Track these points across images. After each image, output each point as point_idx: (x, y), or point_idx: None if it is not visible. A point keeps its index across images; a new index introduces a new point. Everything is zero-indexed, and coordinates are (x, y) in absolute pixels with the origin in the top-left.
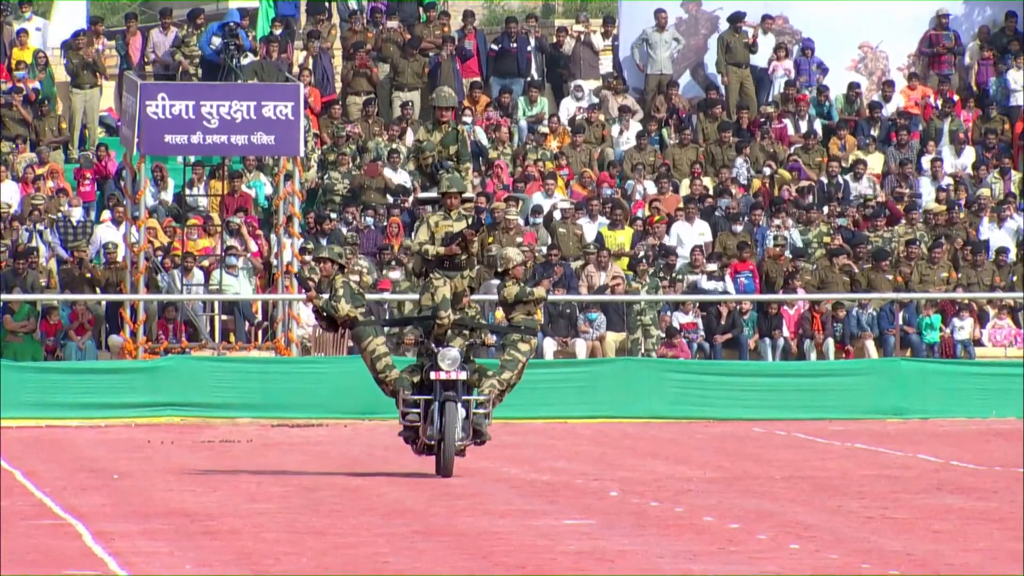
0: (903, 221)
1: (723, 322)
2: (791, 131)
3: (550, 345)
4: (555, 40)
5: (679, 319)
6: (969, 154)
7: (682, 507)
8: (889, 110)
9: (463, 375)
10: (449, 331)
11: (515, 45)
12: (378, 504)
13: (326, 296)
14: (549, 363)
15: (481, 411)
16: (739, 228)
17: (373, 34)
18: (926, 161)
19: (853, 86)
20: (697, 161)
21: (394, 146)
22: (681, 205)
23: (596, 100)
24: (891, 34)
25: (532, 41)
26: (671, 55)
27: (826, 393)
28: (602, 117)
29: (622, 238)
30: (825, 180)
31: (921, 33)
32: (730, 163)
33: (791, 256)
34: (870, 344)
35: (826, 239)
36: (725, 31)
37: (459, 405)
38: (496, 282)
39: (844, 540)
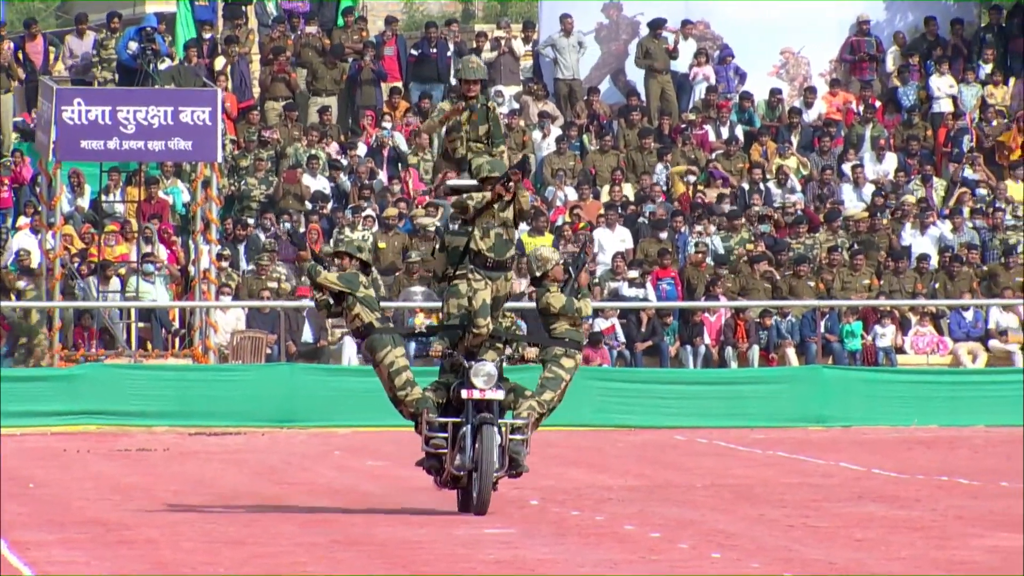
0: (825, 228)
1: (644, 329)
2: (712, 137)
3: None
4: (475, 45)
5: (600, 325)
6: (891, 161)
7: (603, 516)
8: (811, 116)
9: (499, 394)
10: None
11: (435, 50)
12: (296, 513)
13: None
14: None
15: (518, 437)
16: (663, 235)
17: (292, 39)
18: (848, 167)
19: (775, 92)
20: (618, 167)
21: (313, 152)
22: (602, 211)
23: (516, 106)
24: (812, 40)
25: (452, 46)
26: (578, 60)
27: (748, 401)
28: (522, 123)
29: (543, 243)
30: (747, 186)
31: (843, 39)
32: (651, 169)
33: (713, 263)
34: (791, 352)
35: (749, 246)
36: (645, 36)
37: (496, 429)
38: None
39: (766, 548)
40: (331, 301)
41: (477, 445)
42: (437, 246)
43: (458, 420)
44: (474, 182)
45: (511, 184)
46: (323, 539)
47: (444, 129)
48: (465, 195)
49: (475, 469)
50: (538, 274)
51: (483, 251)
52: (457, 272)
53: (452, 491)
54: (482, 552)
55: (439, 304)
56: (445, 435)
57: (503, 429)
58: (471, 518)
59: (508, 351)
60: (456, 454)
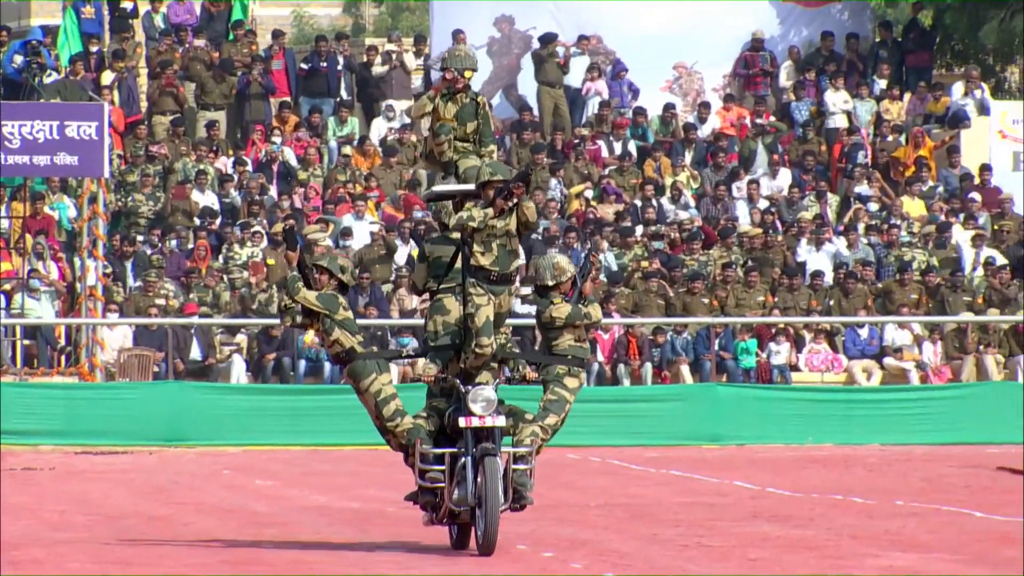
0: (719, 244)
1: (537, 347)
2: (605, 153)
3: None
4: (366, 59)
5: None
6: (786, 176)
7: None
8: (704, 131)
9: (501, 421)
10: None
11: (325, 64)
12: (184, 533)
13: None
14: None
15: (522, 467)
16: (554, 251)
17: (180, 53)
18: (742, 183)
19: (668, 107)
20: None
21: (201, 167)
22: None
23: (408, 120)
24: (706, 55)
25: (342, 60)
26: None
27: (641, 419)
28: (414, 138)
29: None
30: (639, 202)
31: (736, 54)
32: (544, 185)
33: (606, 280)
34: (685, 369)
35: (644, 263)
36: (538, 51)
37: (499, 460)
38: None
39: (659, 568)
40: (298, 312)
41: (479, 478)
42: (416, 255)
43: (456, 451)
44: (462, 187)
45: (514, 197)
46: (211, 560)
47: (430, 130)
48: (467, 217)
49: (478, 505)
50: (551, 283)
51: (485, 266)
52: (442, 286)
53: (444, 527)
54: (373, 571)
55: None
56: (442, 468)
57: (507, 459)
58: (360, 537)
59: (506, 372)
60: (455, 488)
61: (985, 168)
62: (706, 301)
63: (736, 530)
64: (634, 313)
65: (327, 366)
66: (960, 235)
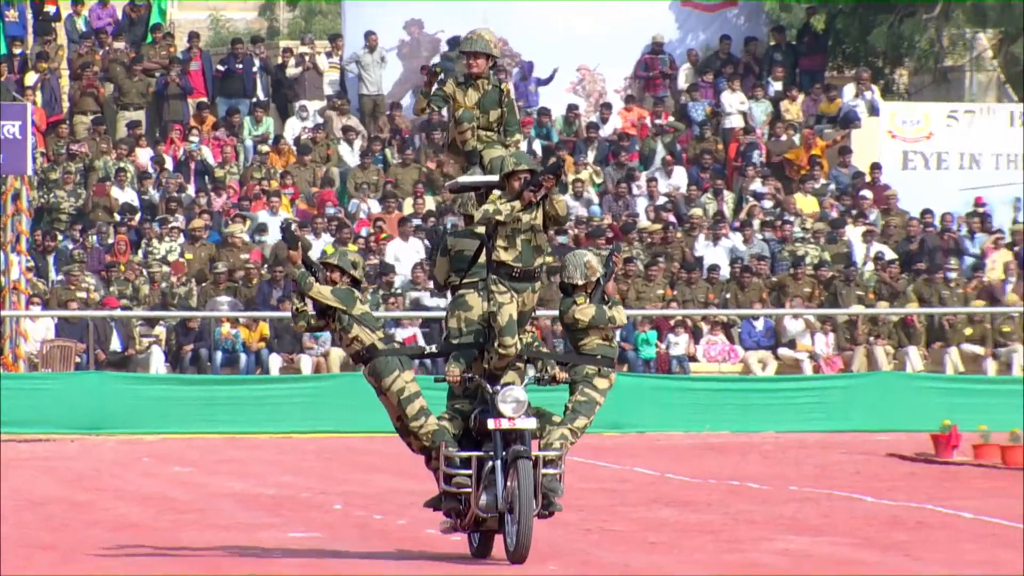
0: (622, 239)
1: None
2: None
3: (276, 361)
4: (280, 61)
5: (401, 335)
6: (683, 174)
7: (404, 519)
8: (607, 131)
9: (531, 423)
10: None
11: (241, 66)
12: (105, 518)
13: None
14: (274, 379)
15: (552, 471)
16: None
17: (100, 55)
18: (642, 181)
19: (572, 107)
20: (419, 181)
21: (121, 165)
22: (401, 224)
23: (321, 120)
24: (608, 57)
25: (257, 62)
26: (382, 75)
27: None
28: (327, 137)
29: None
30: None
31: (637, 57)
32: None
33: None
34: None
35: (548, 259)
36: (446, 53)
37: (531, 464)
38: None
39: (563, 553)
40: (312, 314)
41: (510, 483)
42: (439, 250)
43: (484, 454)
44: (487, 178)
45: (544, 188)
46: (130, 541)
47: (451, 118)
48: (492, 210)
49: (509, 511)
50: (581, 282)
51: (508, 262)
52: (464, 281)
53: (465, 534)
54: (288, 555)
55: (247, 314)
56: (469, 472)
57: (537, 463)
58: (274, 522)
59: (533, 372)
60: (482, 494)
61: (875, 167)
62: None
63: (637, 515)
64: (538, 306)
65: (243, 357)
66: (852, 231)
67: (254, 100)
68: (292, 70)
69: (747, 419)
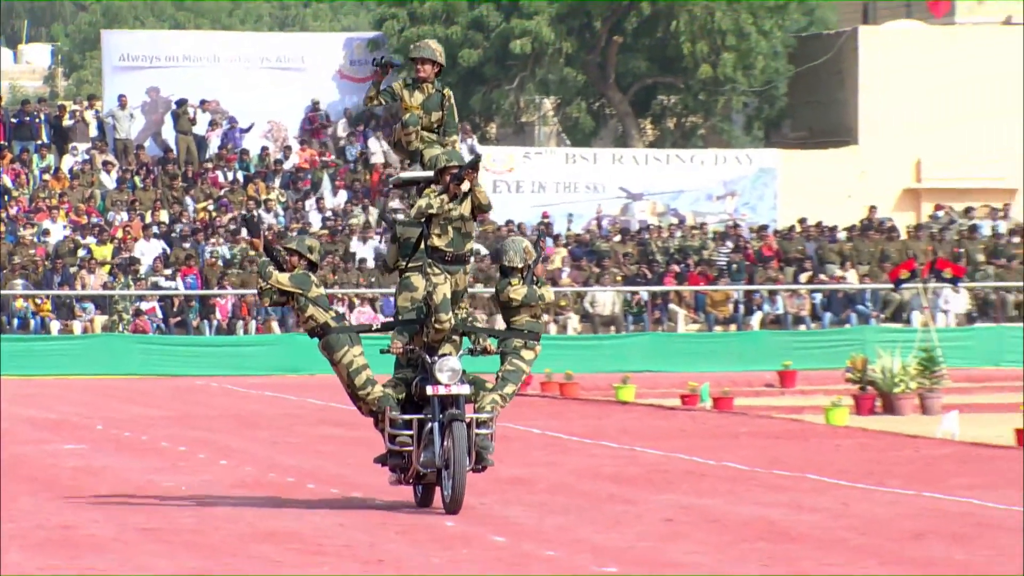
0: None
1: (175, 309)
2: (222, 179)
3: (55, 326)
4: (58, 114)
5: (144, 306)
6: (343, 195)
7: (147, 436)
8: (288, 165)
9: (465, 389)
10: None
11: (29, 119)
12: None
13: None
14: (55, 338)
15: (485, 431)
16: (187, 245)
17: None
18: (313, 200)
19: (264, 148)
20: (158, 199)
21: None
22: (144, 229)
23: (87, 157)
24: (288, 113)
25: (43, 115)
26: (130, 126)
27: (247, 358)
28: (92, 168)
29: (106, 251)
30: (244, 212)
31: (306, 113)
32: (180, 201)
33: (223, 264)
34: (276, 323)
35: (251, 252)
36: (175, 110)
37: (465, 425)
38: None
39: (258, 459)
40: (275, 293)
41: (446, 442)
42: (389, 237)
43: (423, 417)
44: (426, 174)
45: (465, 181)
46: None
47: (399, 120)
48: (425, 204)
49: (445, 466)
50: (520, 265)
51: (441, 247)
52: (409, 264)
53: (410, 487)
54: (64, 461)
55: (35, 292)
56: (411, 432)
57: (470, 424)
58: (55, 437)
59: (468, 344)
60: (423, 451)
61: None
62: None
63: (309, 432)
64: (243, 287)
65: (31, 322)
66: None
67: (40, 142)
68: (67, 121)
69: None
